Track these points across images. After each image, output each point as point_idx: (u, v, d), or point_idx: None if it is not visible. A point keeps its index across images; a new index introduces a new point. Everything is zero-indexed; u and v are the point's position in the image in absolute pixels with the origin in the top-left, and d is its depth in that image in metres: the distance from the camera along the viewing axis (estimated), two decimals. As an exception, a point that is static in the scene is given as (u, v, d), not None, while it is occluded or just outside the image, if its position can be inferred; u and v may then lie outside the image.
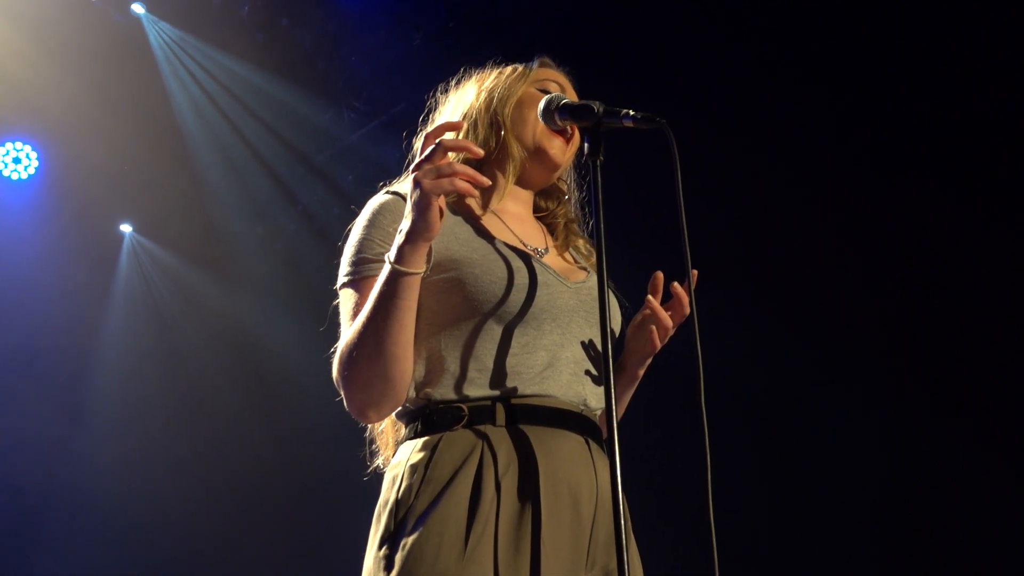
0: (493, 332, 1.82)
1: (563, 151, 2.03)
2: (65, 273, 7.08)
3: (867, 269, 4.67)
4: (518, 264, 1.87)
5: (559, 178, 2.16)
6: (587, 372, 1.91)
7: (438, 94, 2.17)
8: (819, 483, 4.67)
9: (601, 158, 1.79)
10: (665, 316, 1.97)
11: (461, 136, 2.00)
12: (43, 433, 6.89)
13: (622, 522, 1.58)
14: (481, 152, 1.77)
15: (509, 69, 2.11)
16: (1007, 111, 4.27)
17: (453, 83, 2.16)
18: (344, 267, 1.90)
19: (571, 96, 2.08)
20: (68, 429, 7.02)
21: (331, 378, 1.85)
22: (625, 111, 1.81)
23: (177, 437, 6.95)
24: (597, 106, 1.83)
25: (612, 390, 1.64)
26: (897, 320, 4.60)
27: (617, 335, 2.01)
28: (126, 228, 7.46)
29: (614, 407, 1.63)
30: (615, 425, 1.61)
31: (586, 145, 1.81)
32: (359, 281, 1.85)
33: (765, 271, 4.84)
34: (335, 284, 1.91)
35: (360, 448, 2.07)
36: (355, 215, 1.96)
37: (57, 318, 7.06)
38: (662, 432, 4.59)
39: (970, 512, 4.25)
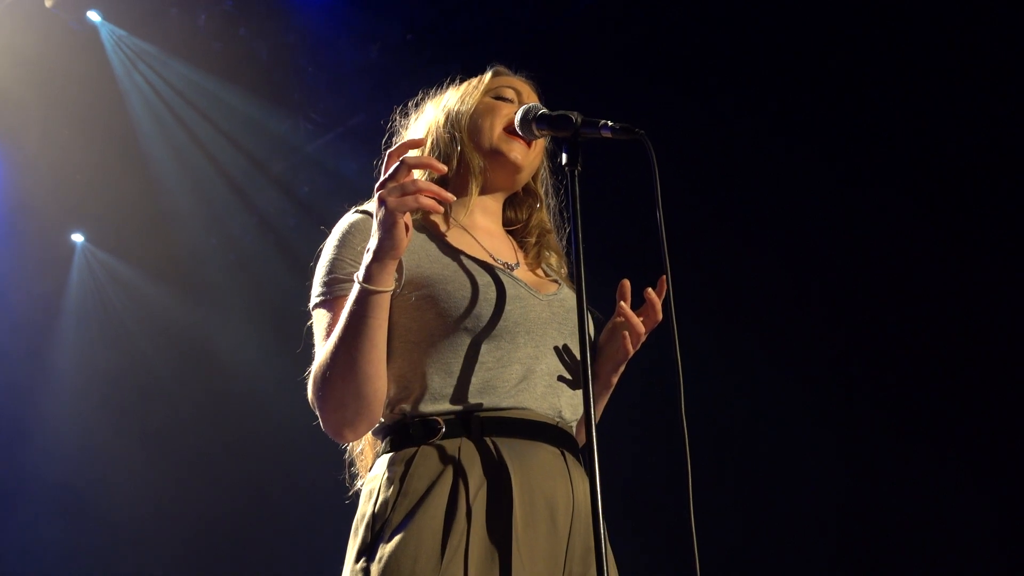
0: (467, 347, 1.83)
1: (524, 153, 2.02)
2: (15, 282, 6.99)
3: (825, 285, 4.72)
4: (489, 279, 1.88)
5: (530, 184, 2.16)
6: (562, 383, 1.92)
7: (398, 116, 2.18)
8: (780, 495, 4.71)
9: (579, 168, 1.80)
10: (637, 322, 1.98)
11: (425, 153, 2.01)
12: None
13: (601, 532, 1.58)
14: (444, 168, 1.77)
15: (464, 84, 2.12)
16: (964, 130, 4.34)
17: (413, 105, 2.17)
18: (316, 288, 1.90)
19: (529, 98, 2.09)
20: (19, 438, 6.94)
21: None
22: (603, 122, 1.83)
23: (129, 445, 6.88)
24: (575, 116, 1.84)
25: (591, 401, 1.65)
26: (856, 337, 4.65)
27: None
28: (78, 238, 7.39)
29: (592, 419, 1.63)
30: (594, 436, 1.62)
31: (564, 155, 1.82)
32: (331, 301, 1.85)
33: (727, 286, 4.87)
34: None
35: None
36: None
37: (7, 327, 6.97)
38: (639, 445, 4.63)
39: (926, 520, 4.31)
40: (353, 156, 6.31)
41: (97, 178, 6.81)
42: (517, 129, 1.99)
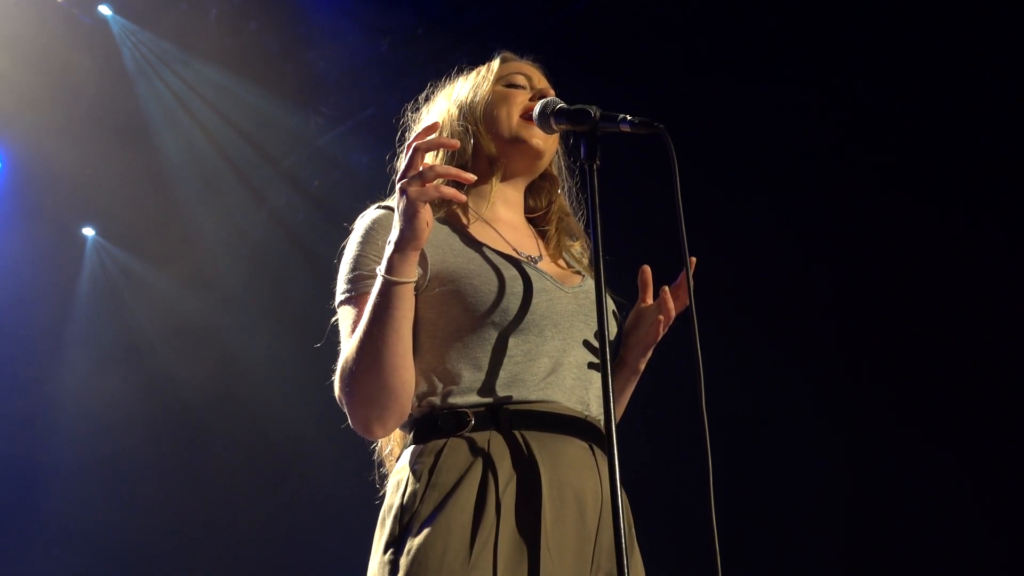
0: (495, 341, 1.83)
1: (544, 138, 2.02)
2: (27, 277, 7.01)
3: (832, 278, 4.71)
4: (515, 272, 1.88)
5: (548, 168, 2.14)
6: (591, 374, 1.92)
7: (410, 112, 2.17)
8: (785, 492, 4.71)
9: (598, 163, 1.80)
10: (672, 304, 1.98)
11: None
12: (5, 436, 6.83)
13: (621, 522, 1.58)
14: (456, 143, 1.79)
15: (473, 74, 2.12)
16: (970, 131, 4.32)
17: (422, 99, 2.17)
18: (341, 285, 1.90)
19: (540, 82, 2.09)
20: (31, 433, 6.96)
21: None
22: (622, 116, 1.82)
23: (140, 438, 6.90)
24: (594, 111, 1.83)
25: (610, 393, 1.65)
26: (865, 334, 4.64)
27: (615, 336, 2.02)
28: (89, 232, 7.40)
29: (612, 410, 1.64)
30: (613, 427, 1.62)
31: (583, 150, 1.82)
32: (356, 298, 1.86)
33: (737, 281, 4.86)
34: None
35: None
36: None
37: (19, 322, 6.99)
38: (656, 438, 4.63)
39: (929, 518, 4.31)
40: (364, 150, 6.31)
41: (108, 172, 6.81)
42: (536, 123, 1.97)
